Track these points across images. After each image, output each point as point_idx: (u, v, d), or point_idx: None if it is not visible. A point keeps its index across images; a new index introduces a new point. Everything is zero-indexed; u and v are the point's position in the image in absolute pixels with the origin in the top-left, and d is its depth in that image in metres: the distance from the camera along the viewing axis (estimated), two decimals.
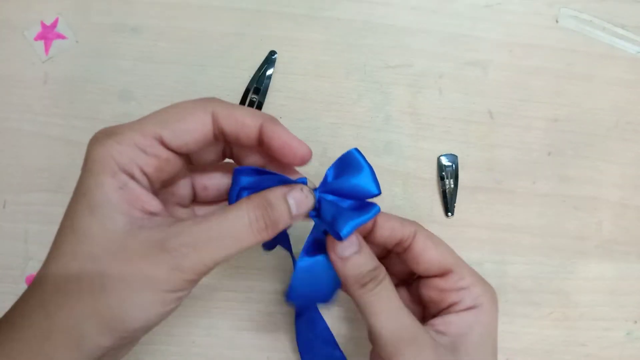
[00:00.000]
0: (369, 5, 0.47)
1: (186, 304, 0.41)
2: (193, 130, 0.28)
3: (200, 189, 0.33)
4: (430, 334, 0.31)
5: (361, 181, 0.30)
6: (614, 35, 0.48)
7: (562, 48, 0.48)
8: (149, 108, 0.44)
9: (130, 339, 0.27)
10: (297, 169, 0.32)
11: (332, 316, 0.42)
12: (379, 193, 0.30)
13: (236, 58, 0.46)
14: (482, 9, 0.48)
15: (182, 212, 0.32)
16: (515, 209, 0.45)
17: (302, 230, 0.36)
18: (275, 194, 0.28)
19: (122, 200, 0.26)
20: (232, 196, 0.31)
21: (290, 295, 0.31)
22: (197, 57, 0.46)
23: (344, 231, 0.29)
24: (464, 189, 0.45)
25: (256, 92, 0.45)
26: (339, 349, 0.40)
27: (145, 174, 0.28)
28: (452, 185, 0.44)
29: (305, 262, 0.31)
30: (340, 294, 0.34)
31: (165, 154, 0.28)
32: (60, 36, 0.45)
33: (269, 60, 0.46)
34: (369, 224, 0.32)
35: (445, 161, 0.45)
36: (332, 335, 0.40)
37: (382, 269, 0.31)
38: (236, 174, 0.31)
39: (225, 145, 0.32)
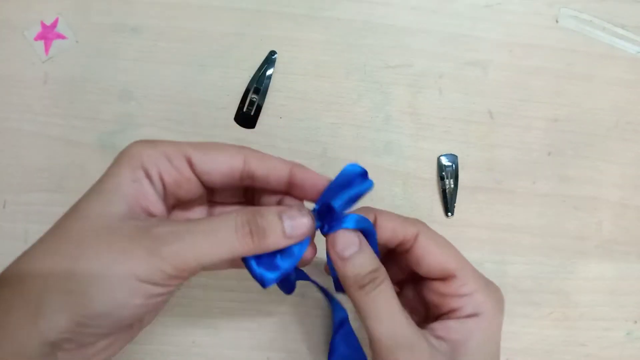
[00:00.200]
0: (369, 5, 0.47)
1: (186, 303, 0.41)
2: (222, 162, 0.29)
3: (216, 213, 0.33)
4: (429, 339, 0.30)
5: (354, 180, 0.30)
6: (614, 35, 0.48)
7: (562, 48, 0.48)
8: (149, 108, 0.45)
9: (92, 330, 0.25)
10: None
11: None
12: (366, 173, 0.30)
13: (236, 58, 0.46)
14: (482, 9, 0.48)
15: None
16: (515, 209, 0.45)
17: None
18: (270, 208, 0.29)
19: (130, 192, 0.27)
20: None
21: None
22: (197, 57, 0.46)
23: (335, 202, 0.28)
24: (464, 189, 0.45)
25: (256, 92, 0.45)
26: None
27: (162, 180, 0.28)
28: (452, 185, 0.44)
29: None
30: None
31: (188, 173, 0.29)
32: (60, 36, 0.45)
33: (269, 60, 0.46)
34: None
35: (445, 161, 0.45)
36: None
37: (382, 271, 0.30)
38: None
39: (247, 192, 0.33)
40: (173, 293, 0.31)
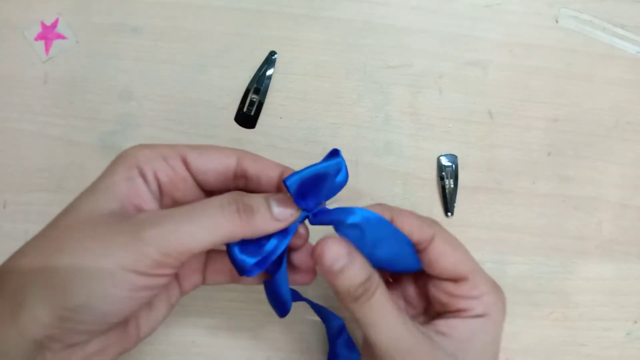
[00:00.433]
0: (369, 5, 0.47)
1: (186, 303, 0.41)
2: (217, 161, 0.30)
3: None
4: (432, 337, 0.29)
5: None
6: (614, 35, 0.48)
7: (562, 48, 0.48)
8: (149, 108, 0.45)
9: (77, 326, 0.24)
10: None
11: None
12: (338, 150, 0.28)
13: (236, 58, 0.46)
14: (482, 9, 0.48)
15: None
16: (515, 209, 0.45)
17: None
18: (255, 194, 0.28)
19: (123, 190, 0.27)
20: None
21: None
22: (197, 57, 0.46)
23: (288, 180, 0.26)
24: (464, 189, 0.45)
25: (256, 92, 0.45)
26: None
27: (157, 180, 0.29)
28: (452, 185, 0.44)
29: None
30: None
31: (183, 172, 0.29)
32: (61, 36, 0.45)
33: (269, 60, 0.46)
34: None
35: (445, 161, 0.45)
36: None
37: (375, 278, 0.29)
38: None
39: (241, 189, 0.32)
40: (166, 293, 0.31)
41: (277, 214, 0.28)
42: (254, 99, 0.45)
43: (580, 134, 0.46)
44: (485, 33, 0.47)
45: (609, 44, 0.48)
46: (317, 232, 0.32)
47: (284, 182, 0.26)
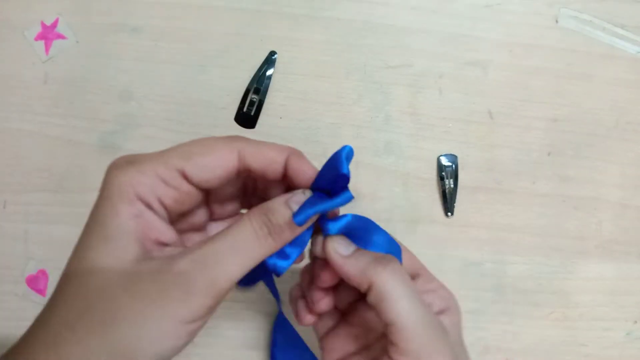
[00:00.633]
0: (369, 5, 0.47)
1: None
2: (217, 167, 0.28)
3: (216, 208, 0.33)
4: None
5: (336, 163, 0.29)
6: (614, 35, 0.48)
7: (562, 48, 0.48)
8: (149, 108, 0.45)
9: None
10: None
11: None
12: (347, 174, 0.28)
13: (236, 58, 0.46)
14: (482, 9, 0.48)
15: (196, 236, 0.32)
16: (515, 209, 0.45)
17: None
18: (276, 200, 0.28)
19: (136, 229, 0.26)
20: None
21: None
22: (197, 57, 0.46)
23: (296, 218, 0.27)
24: (464, 189, 0.45)
25: (256, 92, 0.45)
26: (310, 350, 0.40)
27: (163, 205, 0.27)
28: (452, 185, 0.44)
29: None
30: None
31: (186, 187, 0.28)
32: (61, 36, 0.45)
33: (269, 60, 0.46)
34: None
35: (445, 161, 0.45)
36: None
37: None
38: None
39: (246, 180, 0.32)
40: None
41: (300, 222, 0.28)
42: (254, 99, 0.45)
43: (580, 134, 0.46)
44: (485, 33, 0.47)
45: (609, 44, 0.48)
46: None
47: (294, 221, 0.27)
